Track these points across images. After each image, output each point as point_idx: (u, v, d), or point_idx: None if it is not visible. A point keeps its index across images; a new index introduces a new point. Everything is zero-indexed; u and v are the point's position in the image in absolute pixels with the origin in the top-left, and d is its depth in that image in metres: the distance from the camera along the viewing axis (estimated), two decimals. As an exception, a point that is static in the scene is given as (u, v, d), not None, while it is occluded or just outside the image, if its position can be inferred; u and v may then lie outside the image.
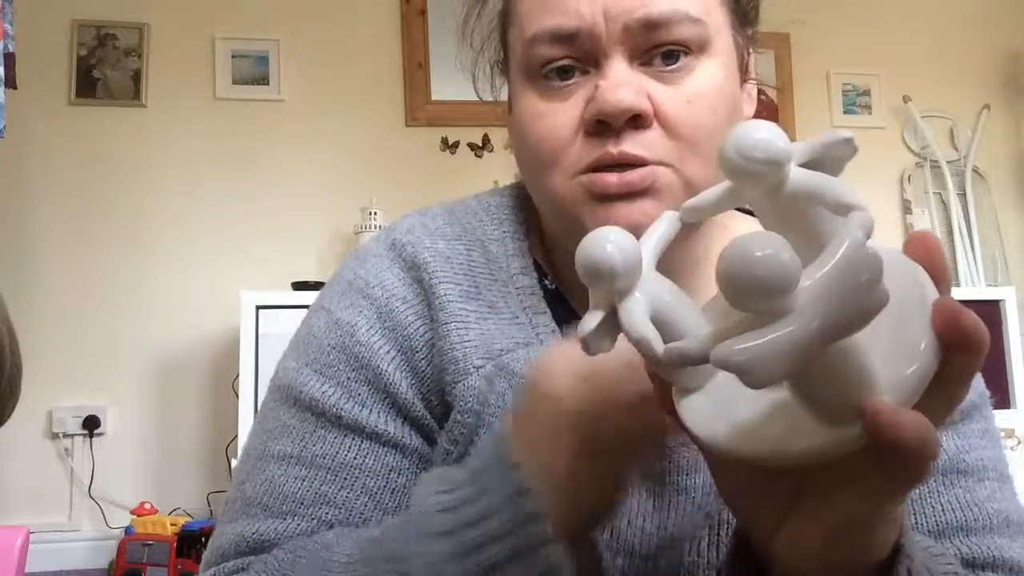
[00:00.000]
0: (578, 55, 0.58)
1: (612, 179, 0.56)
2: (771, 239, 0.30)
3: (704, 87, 0.58)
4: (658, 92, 0.57)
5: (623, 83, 0.56)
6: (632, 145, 0.56)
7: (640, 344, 0.36)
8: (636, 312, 0.37)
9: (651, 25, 0.57)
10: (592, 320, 0.38)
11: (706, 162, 0.58)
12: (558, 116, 0.58)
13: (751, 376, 0.30)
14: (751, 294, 0.30)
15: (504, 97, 0.69)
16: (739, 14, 0.63)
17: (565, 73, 0.59)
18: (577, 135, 0.58)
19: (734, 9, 0.63)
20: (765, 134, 0.35)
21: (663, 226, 0.41)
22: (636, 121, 0.56)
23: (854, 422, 0.33)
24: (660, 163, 0.57)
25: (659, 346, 0.36)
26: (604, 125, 0.56)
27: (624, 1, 0.57)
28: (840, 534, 0.38)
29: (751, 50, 0.65)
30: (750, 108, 0.65)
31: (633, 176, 0.56)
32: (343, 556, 0.51)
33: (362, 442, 0.60)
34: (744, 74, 0.64)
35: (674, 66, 0.58)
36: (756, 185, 0.36)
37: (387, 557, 0.47)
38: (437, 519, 0.45)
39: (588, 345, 0.39)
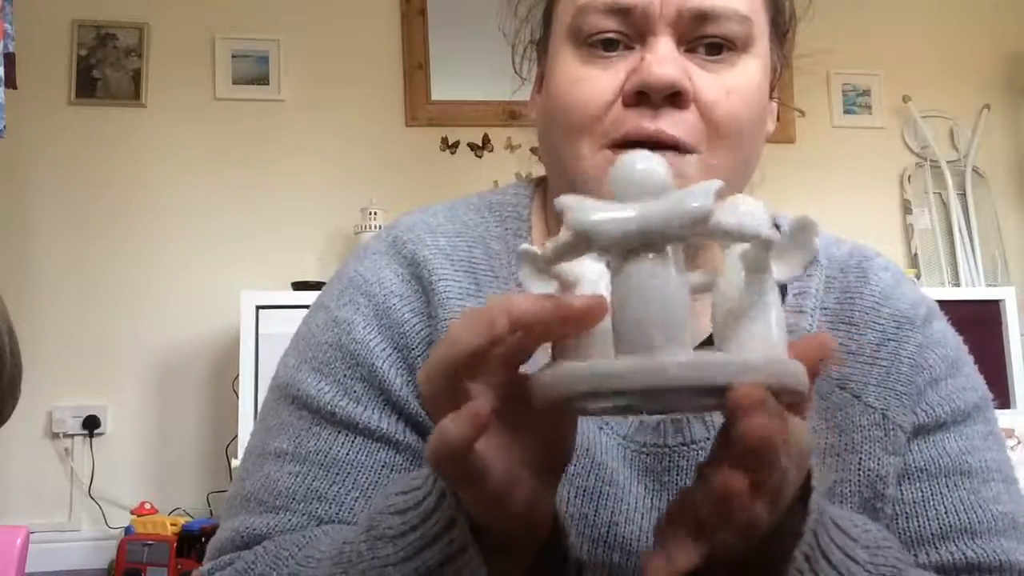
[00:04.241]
0: (627, 30, 0.59)
1: None
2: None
3: (742, 82, 0.60)
4: (700, 78, 0.59)
5: (669, 59, 0.57)
6: (668, 123, 0.57)
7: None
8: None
9: (702, 16, 0.58)
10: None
11: (731, 154, 0.59)
12: (597, 82, 0.59)
13: None
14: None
15: (521, 81, 0.71)
16: (777, 28, 0.65)
17: (610, 44, 0.60)
18: (614, 104, 0.59)
19: (774, 19, 0.64)
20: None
21: None
22: (675, 100, 0.57)
23: None
24: (691, 149, 0.58)
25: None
26: (643, 97, 0.57)
27: None
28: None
29: (781, 70, 0.67)
30: (771, 124, 0.66)
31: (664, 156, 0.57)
32: (318, 553, 0.52)
33: (355, 438, 0.60)
34: (772, 90, 0.66)
35: (717, 57, 0.59)
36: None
37: (347, 561, 0.48)
38: (388, 520, 0.45)
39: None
